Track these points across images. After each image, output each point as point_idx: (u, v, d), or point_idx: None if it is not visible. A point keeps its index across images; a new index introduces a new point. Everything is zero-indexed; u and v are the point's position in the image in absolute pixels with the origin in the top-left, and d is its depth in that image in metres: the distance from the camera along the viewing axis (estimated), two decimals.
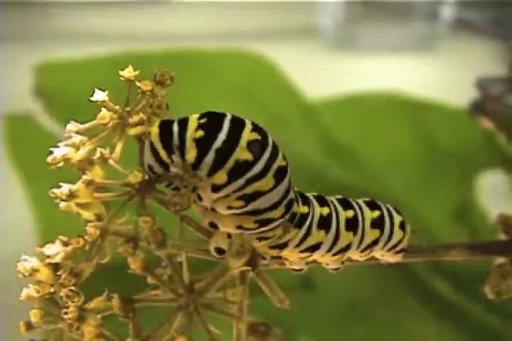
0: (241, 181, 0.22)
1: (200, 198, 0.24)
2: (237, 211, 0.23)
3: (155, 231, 0.22)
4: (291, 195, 0.24)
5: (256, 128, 0.23)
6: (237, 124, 0.23)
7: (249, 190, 0.23)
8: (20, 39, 1.10)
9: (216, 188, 0.23)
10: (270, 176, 0.23)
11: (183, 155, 0.23)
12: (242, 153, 0.22)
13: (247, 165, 0.22)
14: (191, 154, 0.22)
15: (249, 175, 0.22)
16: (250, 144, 0.22)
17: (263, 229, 0.24)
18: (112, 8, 1.24)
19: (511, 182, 0.69)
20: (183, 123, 0.23)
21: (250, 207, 0.23)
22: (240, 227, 0.24)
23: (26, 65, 0.72)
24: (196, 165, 0.22)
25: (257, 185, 0.23)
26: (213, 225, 0.25)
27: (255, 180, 0.22)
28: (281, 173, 0.23)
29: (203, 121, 0.23)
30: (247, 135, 0.22)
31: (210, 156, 0.22)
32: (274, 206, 0.23)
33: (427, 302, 0.58)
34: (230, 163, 0.22)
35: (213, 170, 0.22)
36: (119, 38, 1.10)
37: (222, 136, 0.22)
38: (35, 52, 0.81)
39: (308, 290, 0.57)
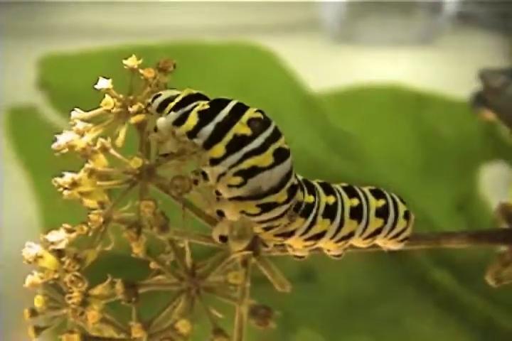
0: (238, 155, 0.23)
1: (205, 177, 0.24)
2: (238, 191, 0.23)
3: (157, 215, 0.22)
4: (294, 181, 0.24)
5: (260, 111, 0.24)
6: (242, 106, 0.24)
7: (246, 164, 0.23)
8: (23, 32, 1.10)
9: (214, 161, 0.23)
10: (269, 153, 0.23)
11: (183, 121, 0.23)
12: (241, 128, 0.23)
13: (246, 140, 0.23)
14: (191, 122, 0.23)
15: (246, 149, 0.23)
16: (251, 121, 0.23)
17: (267, 215, 0.24)
18: (114, 2, 1.24)
19: None
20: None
21: (249, 185, 0.23)
22: (243, 213, 0.24)
23: (30, 58, 0.72)
24: (193, 133, 0.23)
25: (254, 160, 0.23)
26: (220, 213, 0.25)
27: (253, 155, 0.23)
28: (281, 154, 0.23)
29: (212, 100, 0.24)
30: (250, 113, 0.23)
31: (209, 127, 0.23)
32: (275, 189, 0.23)
33: (427, 294, 0.59)
34: (229, 136, 0.23)
35: (211, 142, 0.23)
36: (120, 32, 1.10)
37: (225, 111, 0.23)
38: (39, 46, 0.81)
39: (308, 282, 0.57)
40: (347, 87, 0.78)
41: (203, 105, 0.24)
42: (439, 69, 1.10)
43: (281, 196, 0.24)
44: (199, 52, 0.75)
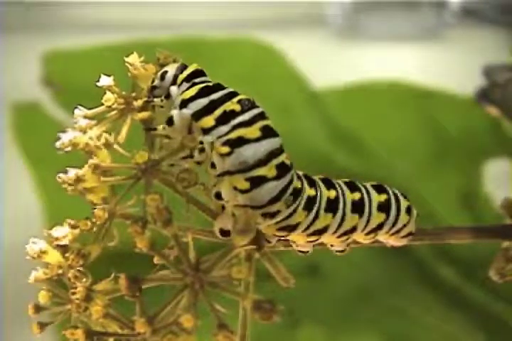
0: (227, 127, 0.24)
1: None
2: (227, 162, 0.24)
3: (161, 209, 0.22)
4: (286, 161, 0.25)
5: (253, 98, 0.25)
6: (237, 93, 0.25)
7: (234, 134, 0.24)
8: (28, 28, 1.10)
9: (205, 132, 0.25)
10: (256, 127, 0.24)
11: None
12: (231, 105, 0.25)
13: (235, 114, 0.25)
14: (190, 93, 0.25)
15: (235, 121, 0.24)
16: (241, 100, 0.25)
17: (259, 193, 0.24)
18: None
19: None
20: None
21: (236, 155, 0.24)
22: (236, 190, 0.24)
23: (35, 54, 0.72)
24: (185, 103, 0.25)
25: (241, 131, 0.24)
26: (219, 196, 0.25)
27: (240, 126, 0.24)
28: (268, 130, 0.25)
29: (215, 83, 0.26)
30: (242, 96, 0.25)
31: (204, 101, 0.25)
32: (262, 162, 0.24)
33: (433, 289, 0.59)
34: (219, 111, 0.25)
35: (201, 114, 0.25)
36: (126, 26, 1.10)
37: (221, 92, 0.25)
38: (43, 42, 0.81)
39: (314, 277, 0.57)
40: (352, 82, 0.78)
41: (207, 83, 0.25)
42: (444, 65, 1.09)
43: (270, 170, 0.24)
44: (204, 48, 0.75)
